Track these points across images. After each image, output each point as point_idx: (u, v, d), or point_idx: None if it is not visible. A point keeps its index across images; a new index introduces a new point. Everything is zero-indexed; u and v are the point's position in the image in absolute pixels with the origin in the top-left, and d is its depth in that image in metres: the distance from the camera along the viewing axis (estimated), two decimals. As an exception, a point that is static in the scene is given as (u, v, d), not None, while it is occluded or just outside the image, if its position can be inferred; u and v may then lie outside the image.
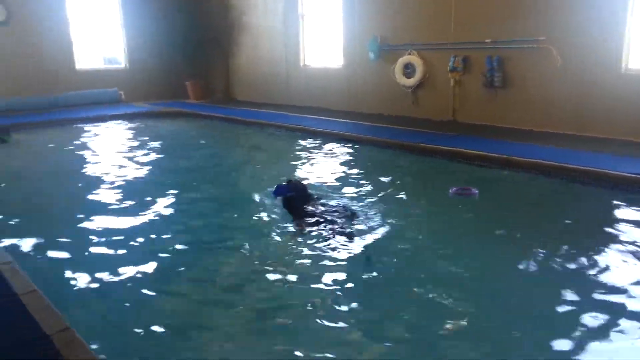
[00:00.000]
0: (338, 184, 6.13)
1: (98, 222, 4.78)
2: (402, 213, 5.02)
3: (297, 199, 4.76)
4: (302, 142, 8.70)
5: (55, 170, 7.19)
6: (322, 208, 4.70)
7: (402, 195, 5.62)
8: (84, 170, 7.08)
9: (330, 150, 8.11)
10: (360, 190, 5.75)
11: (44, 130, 10.08)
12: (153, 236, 4.46)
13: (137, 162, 7.50)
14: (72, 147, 8.80)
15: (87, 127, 10.58)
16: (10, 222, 4.84)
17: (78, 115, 11.23)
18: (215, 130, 10.57)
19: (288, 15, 12.07)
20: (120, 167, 7.19)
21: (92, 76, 13.48)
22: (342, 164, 7.35)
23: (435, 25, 9.26)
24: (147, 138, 9.53)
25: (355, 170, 6.84)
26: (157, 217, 4.95)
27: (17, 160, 7.79)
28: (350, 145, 8.29)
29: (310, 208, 4.65)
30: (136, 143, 9.11)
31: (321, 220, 4.42)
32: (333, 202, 5.04)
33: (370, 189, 5.80)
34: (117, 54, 14.23)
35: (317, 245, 4.06)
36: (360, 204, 5.17)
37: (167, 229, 4.68)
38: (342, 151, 8.03)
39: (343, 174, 6.66)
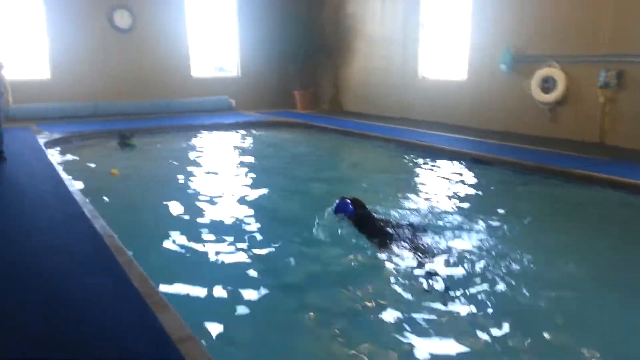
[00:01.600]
0: (448, 206, 5.58)
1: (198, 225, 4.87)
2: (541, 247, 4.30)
3: (366, 217, 4.44)
4: (418, 159, 8.11)
5: (174, 175, 7.09)
6: (395, 228, 4.37)
7: (533, 226, 4.93)
8: (199, 176, 7.09)
9: (448, 169, 7.45)
10: (475, 216, 5.07)
11: (161, 135, 10.17)
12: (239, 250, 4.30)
13: (248, 170, 7.54)
14: (189, 153, 8.77)
15: (202, 134, 10.57)
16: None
17: (194, 122, 11.30)
18: (325, 141, 10.16)
19: (407, 23, 11.46)
20: (235, 175, 7.20)
21: (206, 84, 13.65)
22: (460, 183, 6.69)
23: (584, 35, 8.24)
24: (257, 147, 9.36)
25: (473, 192, 6.24)
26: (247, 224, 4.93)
27: (141, 163, 7.82)
28: (472, 164, 7.56)
29: (386, 228, 4.32)
30: (248, 152, 9.02)
31: (400, 241, 4.10)
32: (395, 222, 4.58)
33: (487, 216, 5.09)
34: (225, 63, 14.32)
35: (397, 270, 3.73)
36: (478, 234, 4.58)
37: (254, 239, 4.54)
38: (462, 171, 7.34)
39: (457, 195, 6.04)
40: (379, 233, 4.21)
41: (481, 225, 4.79)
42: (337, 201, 4.65)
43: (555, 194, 6.22)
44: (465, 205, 5.65)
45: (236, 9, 13.80)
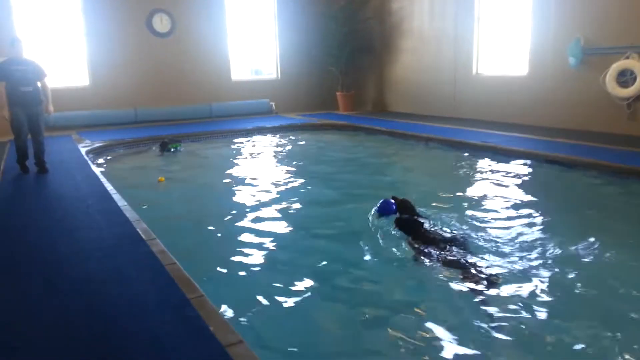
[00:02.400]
0: (510, 211, 4.98)
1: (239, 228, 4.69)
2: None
3: (413, 221, 4.06)
4: (479, 161, 7.49)
5: (223, 183, 6.67)
6: (444, 235, 3.94)
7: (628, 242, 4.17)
8: (248, 182, 6.64)
9: (515, 171, 6.77)
10: (539, 222, 4.50)
11: (205, 141, 9.75)
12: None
13: (295, 175, 7.04)
14: (235, 158, 8.35)
15: (246, 138, 10.10)
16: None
17: (237, 126, 10.84)
18: (374, 143, 9.55)
19: (460, 18, 10.75)
20: (282, 180, 6.74)
21: (246, 87, 13.20)
22: (525, 185, 6.06)
23: (669, 22, 7.42)
24: (304, 150, 8.86)
25: (539, 196, 5.54)
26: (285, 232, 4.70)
27: (187, 171, 7.38)
28: (538, 164, 6.92)
29: (432, 235, 3.89)
30: (294, 155, 8.57)
31: (449, 251, 3.65)
32: (448, 231, 4.12)
33: (559, 223, 4.51)
34: (262, 65, 13.84)
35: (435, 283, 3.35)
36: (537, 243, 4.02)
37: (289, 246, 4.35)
38: (530, 173, 6.70)
39: (519, 200, 5.43)
40: (423, 241, 3.78)
41: (554, 243, 4.00)
42: (380, 201, 4.32)
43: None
44: (532, 213, 4.89)
45: (275, 10, 13.32)
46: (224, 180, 6.79)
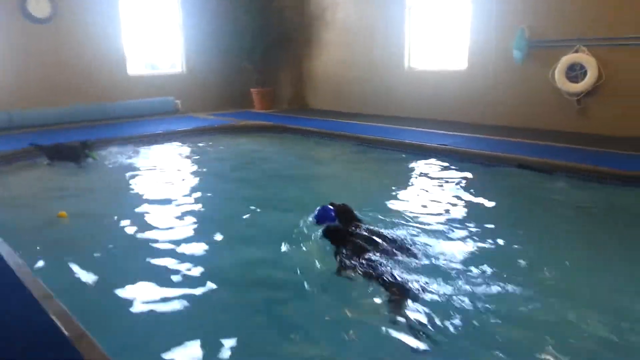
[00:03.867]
0: (454, 217, 4.57)
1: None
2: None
3: (339, 230, 3.71)
4: (410, 162, 6.89)
5: (129, 206, 5.16)
6: (377, 239, 3.52)
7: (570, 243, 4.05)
8: (161, 202, 5.27)
9: (450, 171, 6.31)
10: (485, 235, 4.06)
11: (104, 148, 7.92)
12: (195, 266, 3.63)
13: (216, 189, 6.06)
14: (142, 172, 6.76)
15: (154, 145, 8.46)
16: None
17: (141, 130, 9.11)
18: (299, 145, 8.57)
19: (390, 8, 9.95)
20: (203, 195, 5.66)
21: (145, 83, 11.41)
22: (463, 188, 5.57)
23: (623, 13, 7.11)
24: (225, 157, 7.66)
25: (482, 200, 5.10)
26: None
27: (87, 191, 5.72)
28: (477, 164, 6.44)
29: (359, 240, 3.50)
30: (213, 165, 7.27)
31: (373, 259, 3.29)
32: (390, 232, 3.74)
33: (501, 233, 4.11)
34: (159, 59, 12.12)
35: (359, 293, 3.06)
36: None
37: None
38: (465, 174, 6.12)
39: (468, 204, 5.01)
40: (350, 251, 3.40)
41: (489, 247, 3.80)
42: (318, 208, 3.95)
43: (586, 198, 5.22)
44: (475, 217, 4.57)
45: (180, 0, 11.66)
46: (132, 204, 5.26)
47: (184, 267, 3.60)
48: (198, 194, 5.67)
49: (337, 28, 11.09)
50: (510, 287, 3.08)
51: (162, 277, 3.44)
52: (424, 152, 7.10)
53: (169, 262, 3.68)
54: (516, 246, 3.86)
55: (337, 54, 11.24)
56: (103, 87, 10.62)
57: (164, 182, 6.24)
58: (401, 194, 5.44)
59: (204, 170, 7.04)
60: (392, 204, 5.03)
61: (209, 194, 5.74)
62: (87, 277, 3.47)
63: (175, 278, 3.44)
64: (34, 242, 4.07)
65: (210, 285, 3.33)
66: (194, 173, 6.86)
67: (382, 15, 10.11)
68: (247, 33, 11.53)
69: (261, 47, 11.63)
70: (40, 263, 3.65)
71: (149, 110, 11.06)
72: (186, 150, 8.32)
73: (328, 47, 11.41)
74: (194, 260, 3.74)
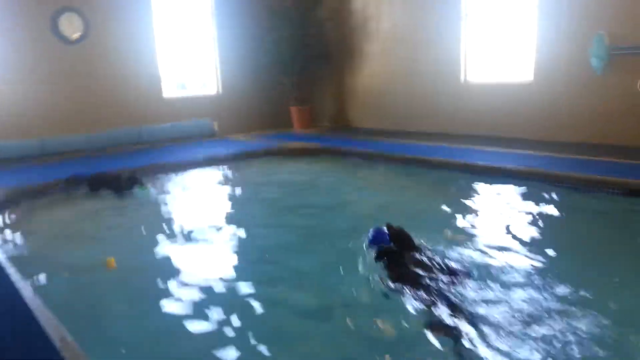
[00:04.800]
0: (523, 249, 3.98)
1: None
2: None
3: (397, 252, 3.54)
4: (472, 184, 6.22)
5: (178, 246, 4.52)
6: (433, 266, 3.33)
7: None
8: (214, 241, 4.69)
9: (529, 196, 5.58)
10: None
11: (145, 176, 7.29)
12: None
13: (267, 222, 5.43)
14: (187, 205, 6.10)
15: (195, 172, 7.81)
16: None
17: (180, 156, 8.46)
18: (347, 169, 7.87)
19: (443, 16, 9.22)
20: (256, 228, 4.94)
21: (180, 105, 10.83)
22: (537, 214, 4.92)
23: None
24: (277, 185, 6.94)
25: (559, 228, 4.63)
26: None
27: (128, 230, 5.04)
28: (553, 186, 5.69)
29: (415, 267, 3.32)
30: (259, 195, 6.53)
31: (429, 285, 3.11)
32: (453, 263, 3.48)
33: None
34: (189, 79, 11.51)
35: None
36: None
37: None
38: (542, 197, 5.43)
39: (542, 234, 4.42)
40: (398, 275, 3.28)
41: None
42: (372, 229, 3.83)
43: None
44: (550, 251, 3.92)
45: (213, 12, 11.12)
46: (180, 245, 4.60)
47: (237, 302, 3.37)
48: (247, 224, 5.12)
49: (381, 39, 10.40)
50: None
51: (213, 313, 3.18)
52: (499, 176, 6.30)
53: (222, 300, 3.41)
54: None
55: (381, 67, 10.54)
56: (137, 110, 10.06)
57: (212, 213, 5.61)
58: (472, 221, 4.88)
59: (251, 198, 6.45)
60: (456, 233, 4.47)
61: (259, 224, 5.24)
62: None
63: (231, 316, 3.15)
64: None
65: (266, 316, 3.20)
66: (241, 201, 6.22)
67: (434, 24, 9.37)
68: (285, 46, 10.93)
69: (299, 61, 10.99)
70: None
71: (186, 133, 10.48)
72: (230, 176, 7.67)
73: (371, 61, 10.72)
74: (249, 295, 3.48)
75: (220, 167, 8.10)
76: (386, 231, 3.71)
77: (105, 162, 7.94)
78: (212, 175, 7.66)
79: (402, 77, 10.12)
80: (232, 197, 6.50)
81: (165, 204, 6.16)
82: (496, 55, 8.86)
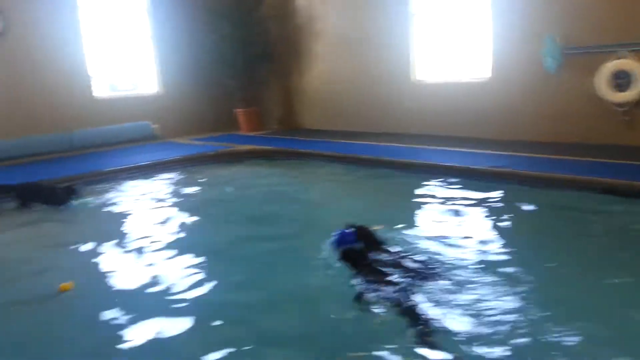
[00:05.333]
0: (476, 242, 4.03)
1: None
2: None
3: (360, 251, 3.49)
4: (428, 184, 6.08)
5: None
6: (401, 262, 3.36)
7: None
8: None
9: (476, 194, 5.48)
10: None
11: (82, 184, 6.58)
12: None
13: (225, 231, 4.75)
14: (131, 214, 5.52)
15: (138, 179, 7.16)
16: None
17: (119, 162, 7.76)
18: (304, 171, 7.52)
19: (390, 16, 9.03)
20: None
21: (115, 106, 10.04)
22: (490, 212, 4.93)
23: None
24: (228, 190, 6.45)
25: (509, 223, 4.60)
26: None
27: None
28: (511, 185, 5.70)
29: (380, 262, 3.33)
30: (208, 201, 6.14)
31: (396, 283, 3.09)
32: (415, 255, 3.58)
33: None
34: (120, 80, 10.71)
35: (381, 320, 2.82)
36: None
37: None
38: (496, 195, 5.41)
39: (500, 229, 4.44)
40: (367, 275, 3.22)
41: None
42: (336, 232, 3.68)
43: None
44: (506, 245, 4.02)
45: (149, 9, 10.38)
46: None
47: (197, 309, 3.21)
48: (201, 233, 4.88)
49: (328, 38, 10.09)
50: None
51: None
52: (464, 175, 6.18)
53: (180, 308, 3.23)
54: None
55: (329, 67, 10.23)
56: (66, 113, 9.19)
57: (162, 227, 5.01)
58: (430, 218, 4.90)
59: (200, 204, 5.99)
60: (416, 229, 4.50)
61: (213, 232, 4.94)
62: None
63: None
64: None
65: (217, 320, 3.03)
66: (190, 209, 5.64)
67: (382, 23, 9.15)
68: (227, 46, 10.39)
69: (243, 61, 10.47)
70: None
71: (123, 137, 9.71)
72: (176, 183, 7.07)
73: (319, 60, 10.39)
74: (209, 302, 3.33)
75: (167, 173, 7.49)
76: (349, 231, 3.60)
77: (36, 171, 7.13)
78: (159, 183, 7.04)
79: (351, 77, 9.85)
80: (180, 207, 5.93)
81: (107, 217, 5.52)
82: (449, 53, 8.76)
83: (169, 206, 5.89)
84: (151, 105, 10.47)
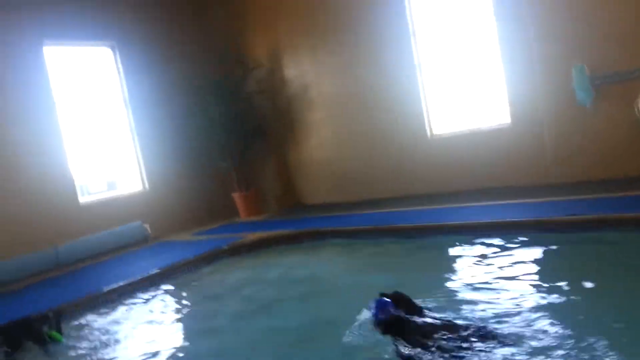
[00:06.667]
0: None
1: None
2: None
3: (405, 319, 3.17)
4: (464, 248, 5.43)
5: None
6: (443, 326, 3.04)
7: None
8: None
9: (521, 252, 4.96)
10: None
11: (79, 315, 5.42)
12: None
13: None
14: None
15: (134, 300, 5.96)
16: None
17: (111, 279, 6.44)
18: (327, 254, 6.51)
19: (395, 68, 8.48)
20: None
21: (100, 210, 8.97)
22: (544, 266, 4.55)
23: None
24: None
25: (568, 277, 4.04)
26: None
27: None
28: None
29: (424, 328, 3.01)
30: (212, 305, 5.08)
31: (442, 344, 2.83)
32: (461, 321, 3.21)
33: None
34: (119, 177, 9.88)
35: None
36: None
37: None
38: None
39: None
40: (412, 344, 2.90)
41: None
42: (373, 302, 3.39)
43: None
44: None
45: (126, 101, 9.60)
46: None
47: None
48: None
49: (325, 105, 9.48)
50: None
51: None
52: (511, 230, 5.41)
53: None
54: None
55: (329, 135, 9.55)
56: (50, 225, 8.07)
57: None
58: (469, 278, 4.43)
59: (216, 311, 4.95)
60: (458, 294, 4.08)
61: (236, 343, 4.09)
62: None
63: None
64: None
65: None
66: (202, 322, 4.59)
67: (386, 79, 8.58)
68: (216, 126, 9.63)
69: (235, 141, 9.69)
70: None
71: (114, 244, 8.59)
72: (178, 293, 5.95)
73: (316, 129, 9.70)
74: None
75: (166, 284, 6.29)
76: (388, 300, 3.37)
77: (16, 304, 5.93)
78: (160, 299, 5.88)
79: (356, 142, 9.17)
80: (185, 324, 4.84)
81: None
82: (463, 102, 8.21)
83: (179, 326, 4.79)
84: (139, 203, 9.45)
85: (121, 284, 6.12)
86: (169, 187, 9.79)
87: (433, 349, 2.85)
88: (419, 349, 2.88)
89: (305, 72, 9.62)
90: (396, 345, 3.00)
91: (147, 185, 9.71)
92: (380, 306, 3.33)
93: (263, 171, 10.36)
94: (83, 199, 8.81)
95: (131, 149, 9.66)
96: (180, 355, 4.12)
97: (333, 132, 9.47)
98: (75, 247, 8.08)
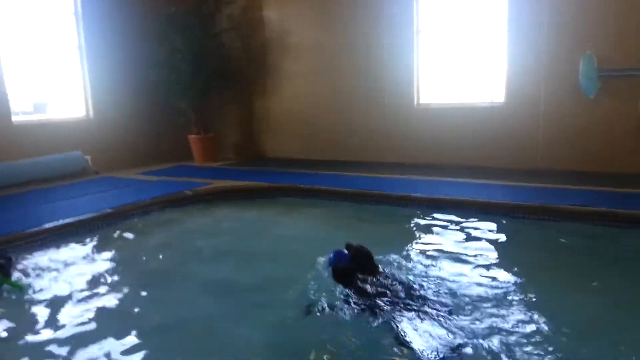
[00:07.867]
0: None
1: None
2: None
3: (356, 270, 3.43)
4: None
5: None
6: (387, 282, 3.29)
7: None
8: None
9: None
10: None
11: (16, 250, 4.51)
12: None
13: None
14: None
15: (96, 233, 5.17)
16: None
17: (49, 216, 5.45)
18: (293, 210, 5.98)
19: (391, 32, 7.88)
20: None
21: (37, 133, 7.81)
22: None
23: None
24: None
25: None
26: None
27: None
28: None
29: (370, 283, 3.27)
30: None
31: (384, 300, 3.07)
32: (404, 277, 3.42)
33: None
34: (49, 99, 8.64)
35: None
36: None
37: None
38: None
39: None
40: (357, 292, 3.20)
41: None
42: (331, 253, 3.63)
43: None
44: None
45: (78, 14, 8.32)
46: None
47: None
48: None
49: (305, 57, 8.73)
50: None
51: None
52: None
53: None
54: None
55: (307, 89, 8.85)
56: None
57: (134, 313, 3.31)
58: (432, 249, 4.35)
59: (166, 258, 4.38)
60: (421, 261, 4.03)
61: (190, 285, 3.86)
62: None
63: None
64: None
65: None
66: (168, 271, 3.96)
67: (379, 40, 7.99)
68: (179, 60, 8.65)
69: (200, 80, 8.75)
70: None
71: (50, 172, 7.51)
72: (125, 238, 5.16)
73: (293, 81, 8.96)
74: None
75: (108, 227, 5.40)
76: (346, 252, 3.60)
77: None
78: (110, 239, 5.08)
79: (335, 100, 8.55)
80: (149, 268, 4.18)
81: (58, 307, 3.55)
82: (456, 75, 7.78)
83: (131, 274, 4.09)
84: (81, 132, 8.34)
85: (68, 220, 5.19)
86: (117, 118, 8.72)
87: (360, 303, 3.07)
88: (361, 300, 3.08)
89: (287, 16, 8.79)
90: (344, 294, 3.23)
91: (91, 113, 8.59)
92: (336, 256, 3.58)
93: (225, 116, 9.48)
94: (17, 118, 7.59)
95: (77, 69, 8.45)
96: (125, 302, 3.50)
97: (311, 86, 8.76)
98: (6, 170, 6.94)
